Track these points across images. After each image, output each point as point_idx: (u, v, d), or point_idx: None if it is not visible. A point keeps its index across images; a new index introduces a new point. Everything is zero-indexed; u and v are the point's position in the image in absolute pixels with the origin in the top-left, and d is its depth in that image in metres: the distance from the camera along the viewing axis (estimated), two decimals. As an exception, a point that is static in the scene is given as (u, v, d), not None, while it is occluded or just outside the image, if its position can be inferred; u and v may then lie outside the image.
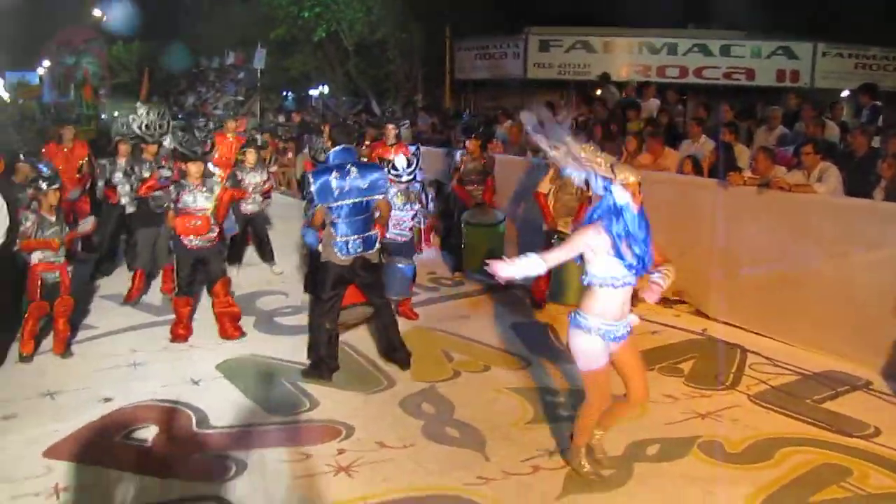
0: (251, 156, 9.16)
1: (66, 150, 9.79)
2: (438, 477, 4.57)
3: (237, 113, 12.71)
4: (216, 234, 6.92)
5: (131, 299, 7.96)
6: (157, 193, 7.66)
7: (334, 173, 5.91)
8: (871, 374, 6.30)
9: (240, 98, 21.83)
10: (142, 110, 8.91)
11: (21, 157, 8.12)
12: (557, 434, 5.14)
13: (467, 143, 9.44)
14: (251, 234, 9.49)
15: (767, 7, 15.85)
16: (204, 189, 6.82)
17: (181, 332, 6.93)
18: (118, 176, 8.37)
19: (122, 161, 8.47)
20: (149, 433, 5.10)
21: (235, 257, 9.32)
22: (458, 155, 9.51)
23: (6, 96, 27.51)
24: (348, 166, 5.98)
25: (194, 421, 5.30)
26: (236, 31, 22.46)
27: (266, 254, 9.48)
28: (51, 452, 4.79)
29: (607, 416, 4.57)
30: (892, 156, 7.10)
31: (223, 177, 10.15)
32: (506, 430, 5.22)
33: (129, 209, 8.40)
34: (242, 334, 7.01)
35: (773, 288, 7.18)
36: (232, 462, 4.71)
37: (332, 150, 6.33)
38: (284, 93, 26.35)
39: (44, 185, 6.33)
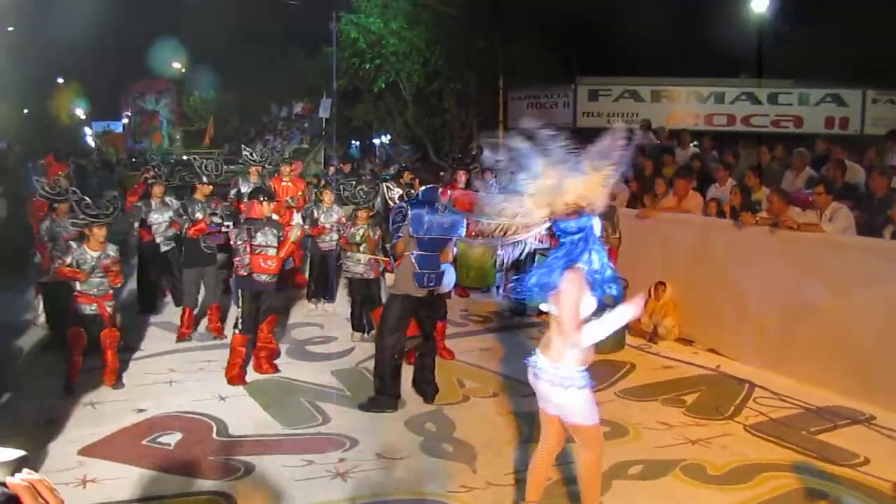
0: (328, 196, 9.77)
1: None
2: (426, 484, 4.95)
3: (291, 158, 13.39)
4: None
5: (183, 337, 8.24)
6: (206, 235, 8.18)
7: (426, 208, 6.27)
8: (876, 409, 6.39)
9: (305, 146, 22.89)
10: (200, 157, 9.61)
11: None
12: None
13: None
14: (322, 269, 9.96)
15: (817, 56, 15.96)
16: (274, 230, 7.14)
17: (237, 373, 6.93)
18: (154, 216, 9.04)
19: (155, 202, 9.19)
20: (173, 438, 5.65)
21: (315, 294, 9.92)
22: None
23: (92, 144, 29.33)
24: (437, 204, 6.36)
25: (215, 430, 5.84)
26: (304, 83, 23.59)
27: (328, 290, 9.98)
28: (85, 451, 5.38)
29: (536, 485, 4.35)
30: (904, 195, 7.25)
31: (282, 218, 10.91)
32: (498, 447, 5.57)
33: (164, 248, 9.07)
34: (276, 371, 7.23)
35: (782, 325, 7.35)
36: (241, 465, 5.20)
37: (421, 188, 6.81)
38: (351, 141, 27.36)
39: (89, 221, 6.75)
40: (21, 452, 1.20)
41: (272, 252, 7.06)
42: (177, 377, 7.09)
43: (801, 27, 16.44)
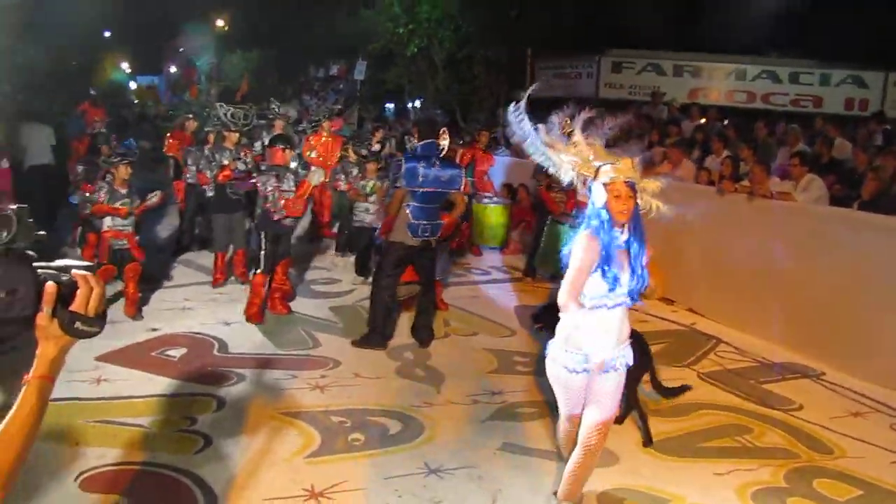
0: (352, 152, 10.60)
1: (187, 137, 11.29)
2: (392, 399, 5.63)
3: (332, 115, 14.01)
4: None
5: (217, 283, 8.56)
6: (232, 182, 8.58)
7: (422, 162, 6.56)
8: (827, 367, 6.87)
9: (338, 107, 23.43)
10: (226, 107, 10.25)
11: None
12: (508, 383, 6.09)
13: None
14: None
15: (841, 38, 16.04)
16: (293, 175, 7.59)
17: (255, 311, 7.32)
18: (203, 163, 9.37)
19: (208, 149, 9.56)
20: (178, 352, 6.42)
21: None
22: None
23: (135, 98, 30.20)
24: (433, 158, 6.60)
25: (216, 347, 6.61)
26: (340, 43, 24.09)
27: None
28: (101, 357, 6.13)
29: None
30: (872, 169, 7.67)
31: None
32: (466, 375, 6.22)
33: (209, 193, 9.34)
34: (289, 311, 7.71)
35: (752, 288, 7.83)
36: (234, 375, 5.93)
37: (420, 142, 6.96)
38: (386, 104, 27.86)
39: (115, 160, 7.38)
40: (86, 263, 1.73)
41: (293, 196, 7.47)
42: (190, 304, 7.86)
43: (824, 5, 16.49)
